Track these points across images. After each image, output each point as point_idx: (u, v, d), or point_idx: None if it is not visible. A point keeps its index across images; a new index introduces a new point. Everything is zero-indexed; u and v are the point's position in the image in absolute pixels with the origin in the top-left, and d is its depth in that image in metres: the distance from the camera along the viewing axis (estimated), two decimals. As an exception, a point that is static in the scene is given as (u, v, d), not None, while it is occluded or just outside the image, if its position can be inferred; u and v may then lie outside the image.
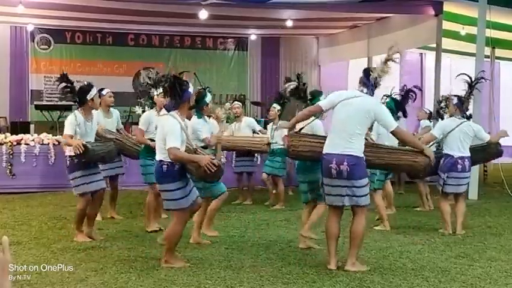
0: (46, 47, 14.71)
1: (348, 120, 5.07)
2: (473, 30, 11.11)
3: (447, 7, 11.39)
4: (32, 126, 11.81)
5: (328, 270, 5.17)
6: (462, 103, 7.06)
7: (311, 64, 16.51)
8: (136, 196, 9.71)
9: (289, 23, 13.14)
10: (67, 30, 14.63)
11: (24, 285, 4.60)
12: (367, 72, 5.29)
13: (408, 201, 9.68)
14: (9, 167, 10.34)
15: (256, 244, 6.32)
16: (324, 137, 5.38)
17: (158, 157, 5.23)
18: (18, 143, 10.44)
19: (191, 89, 5.33)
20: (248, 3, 11.61)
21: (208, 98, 6.50)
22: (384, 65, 5.25)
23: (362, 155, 5.08)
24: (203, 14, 11.51)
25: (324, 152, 5.16)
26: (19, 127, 11.91)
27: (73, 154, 6.18)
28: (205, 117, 6.61)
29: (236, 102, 9.45)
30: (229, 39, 15.99)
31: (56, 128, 11.35)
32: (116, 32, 14.94)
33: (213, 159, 5.13)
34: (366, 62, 14.21)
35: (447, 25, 11.86)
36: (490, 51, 13.23)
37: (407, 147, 5.49)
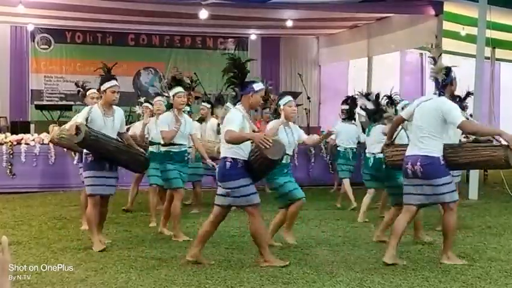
0: (46, 46, 14.72)
1: (421, 123, 5.31)
2: (473, 30, 11.10)
3: (447, 7, 11.38)
4: (32, 126, 11.83)
5: (329, 270, 5.16)
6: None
7: (311, 64, 16.51)
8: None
9: (289, 23, 13.14)
10: (67, 30, 14.65)
11: (24, 285, 4.60)
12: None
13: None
14: (10, 167, 10.34)
15: (257, 244, 6.31)
16: None
17: (222, 154, 5.25)
18: (19, 142, 10.45)
19: (257, 86, 5.37)
20: (248, 3, 11.62)
21: (282, 100, 6.41)
22: (434, 65, 5.46)
23: (438, 155, 5.23)
24: (203, 14, 11.52)
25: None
26: (19, 127, 11.92)
27: (88, 152, 6.05)
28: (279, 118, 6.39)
29: (204, 103, 9.14)
30: (229, 39, 15.98)
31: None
32: (116, 32, 14.95)
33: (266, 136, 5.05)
34: (366, 62, 14.21)
35: (447, 25, 11.85)
36: (490, 52, 13.22)
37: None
